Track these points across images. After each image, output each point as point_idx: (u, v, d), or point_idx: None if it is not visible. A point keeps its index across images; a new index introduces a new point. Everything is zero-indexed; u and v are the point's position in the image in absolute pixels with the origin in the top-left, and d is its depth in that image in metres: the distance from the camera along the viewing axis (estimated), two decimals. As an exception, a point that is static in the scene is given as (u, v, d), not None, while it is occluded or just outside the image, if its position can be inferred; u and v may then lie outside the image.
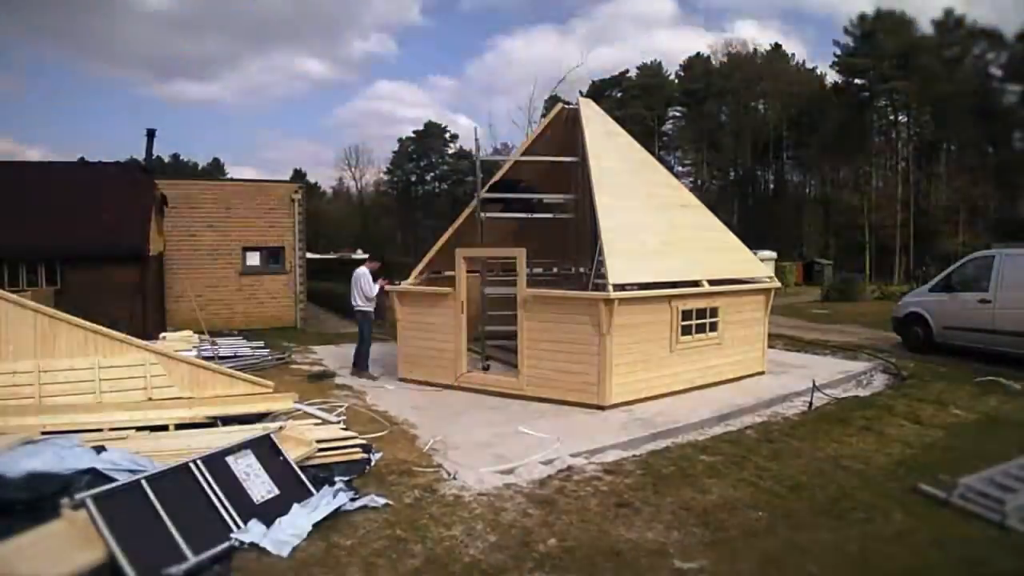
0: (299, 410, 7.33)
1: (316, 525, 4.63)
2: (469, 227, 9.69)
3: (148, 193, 13.87)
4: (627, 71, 63.66)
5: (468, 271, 9.04)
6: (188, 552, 3.99)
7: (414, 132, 72.53)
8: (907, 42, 47.51)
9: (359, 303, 10.25)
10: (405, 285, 9.96)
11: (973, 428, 7.59)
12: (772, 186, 60.51)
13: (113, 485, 4.32)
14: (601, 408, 7.90)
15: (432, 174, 72.85)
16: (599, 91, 56.68)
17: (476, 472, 5.82)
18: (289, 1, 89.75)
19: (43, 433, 5.72)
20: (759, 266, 10.86)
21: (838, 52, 53.16)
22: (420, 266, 10.25)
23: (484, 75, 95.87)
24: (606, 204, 8.80)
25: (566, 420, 7.57)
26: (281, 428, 5.98)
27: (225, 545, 4.21)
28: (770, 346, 11.04)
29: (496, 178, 10.11)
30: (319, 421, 6.99)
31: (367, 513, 4.91)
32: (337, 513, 4.85)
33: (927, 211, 47.12)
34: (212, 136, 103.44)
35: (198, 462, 4.71)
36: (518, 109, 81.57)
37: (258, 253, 18.00)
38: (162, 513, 4.16)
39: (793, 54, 59.86)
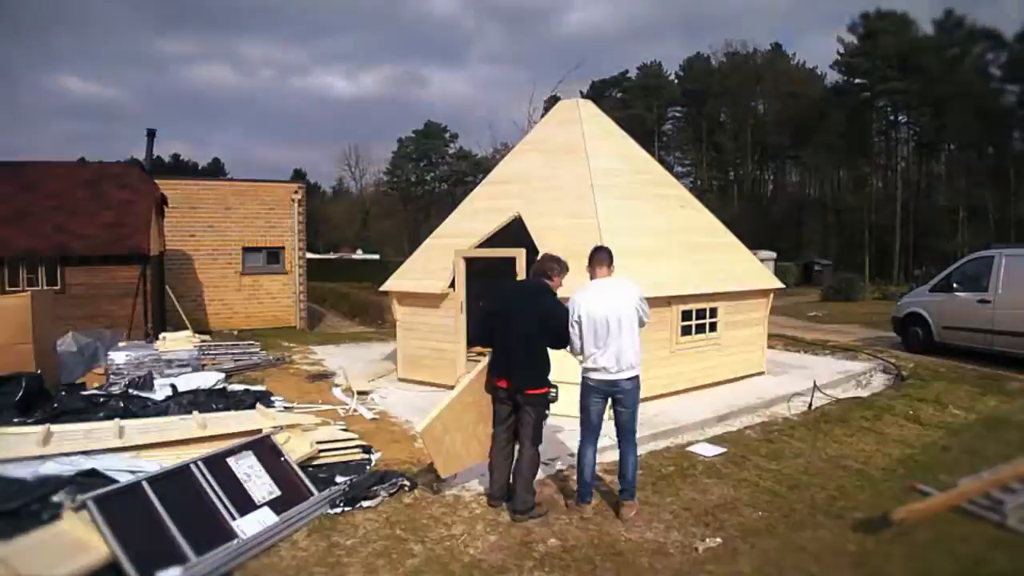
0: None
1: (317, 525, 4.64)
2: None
3: (148, 193, 13.87)
4: (627, 71, 63.75)
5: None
6: (189, 552, 4.00)
7: (413, 132, 72.53)
8: (908, 42, 47.51)
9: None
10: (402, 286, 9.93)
11: (973, 428, 7.60)
12: (772, 186, 60.54)
13: (114, 486, 4.33)
14: (601, 408, 7.89)
15: (432, 174, 72.84)
16: (599, 91, 56.72)
17: (476, 472, 5.81)
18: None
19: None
20: (759, 266, 10.87)
21: (839, 52, 53.21)
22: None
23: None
24: (606, 204, 8.82)
25: (566, 420, 7.56)
26: (281, 429, 5.98)
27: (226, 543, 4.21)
28: (770, 346, 11.05)
29: (494, 173, 10.09)
30: (320, 421, 6.98)
31: (367, 513, 4.92)
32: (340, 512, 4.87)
33: (927, 211, 47.12)
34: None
35: (199, 463, 4.72)
36: (518, 109, 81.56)
37: (258, 253, 18.01)
38: (163, 514, 4.16)
39: (793, 53, 59.99)
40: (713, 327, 9.29)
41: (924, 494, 5.28)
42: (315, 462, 5.65)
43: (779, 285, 10.72)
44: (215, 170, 70.21)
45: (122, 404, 7.55)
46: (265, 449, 5.24)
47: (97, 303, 11.33)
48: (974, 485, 5.21)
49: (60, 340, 9.53)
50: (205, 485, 4.57)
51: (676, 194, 10.80)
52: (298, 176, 57.17)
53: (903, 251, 44.75)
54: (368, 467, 5.82)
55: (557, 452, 6.37)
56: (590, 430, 5.03)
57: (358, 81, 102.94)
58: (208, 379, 8.85)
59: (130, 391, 8.19)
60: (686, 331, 8.88)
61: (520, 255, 8.49)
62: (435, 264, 9.46)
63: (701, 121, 58.94)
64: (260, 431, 5.71)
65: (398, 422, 7.55)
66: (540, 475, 5.77)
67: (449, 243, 9.39)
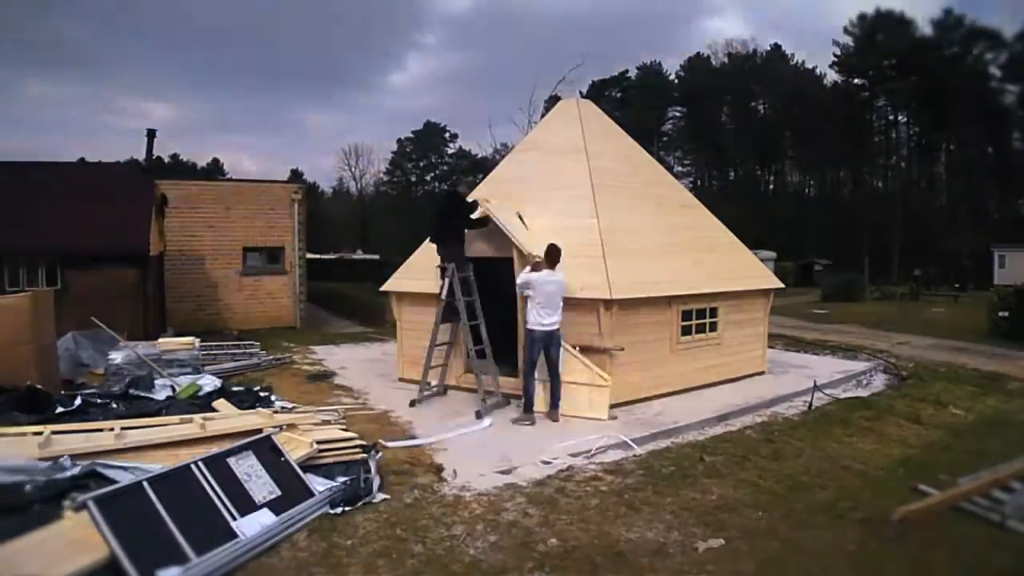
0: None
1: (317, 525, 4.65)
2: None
3: (148, 193, 13.85)
4: (627, 71, 63.75)
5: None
6: (190, 552, 4.00)
7: (413, 132, 72.58)
8: (907, 42, 47.54)
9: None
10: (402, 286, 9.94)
11: (973, 428, 7.61)
12: (772, 186, 60.55)
13: (115, 487, 4.33)
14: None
15: (432, 174, 72.86)
16: (599, 91, 56.68)
17: (476, 472, 5.83)
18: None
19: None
20: (759, 266, 10.87)
21: (837, 52, 53.25)
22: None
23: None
24: (606, 204, 8.82)
25: (566, 420, 7.57)
26: (282, 429, 5.98)
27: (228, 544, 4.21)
28: (770, 346, 11.05)
29: (494, 173, 10.09)
30: (319, 422, 6.98)
31: (367, 513, 4.92)
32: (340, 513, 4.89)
33: (927, 211, 47.14)
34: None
35: (199, 463, 4.71)
36: (518, 109, 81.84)
37: (258, 253, 17.99)
38: (164, 514, 4.16)
39: (792, 54, 59.97)
40: (713, 327, 9.30)
41: (924, 494, 5.28)
42: (315, 462, 5.65)
43: (779, 285, 10.73)
44: (215, 170, 70.18)
45: (122, 404, 7.55)
46: (265, 449, 5.24)
47: (97, 303, 11.28)
48: (974, 485, 5.21)
49: (60, 340, 9.50)
50: (205, 485, 4.57)
51: (676, 194, 10.81)
52: (297, 176, 57.23)
53: (902, 251, 44.74)
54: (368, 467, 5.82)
55: (556, 453, 6.37)
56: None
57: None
58: (206, 385, 8.76)
59: (130, 391, 8.18)
60: (686, 331, 8.89)
61: (519, 253, 8.43)
62: (435, 264, 9.44)
63: (701, 121, 58.90)
64: (260, 431, 5.71)
65: (398, 422, 7.55)
66: (540, 474, 5.81)
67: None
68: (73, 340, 10.03)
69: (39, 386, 7.58)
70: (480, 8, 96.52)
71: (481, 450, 6.49)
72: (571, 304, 8.12)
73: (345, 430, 6.64)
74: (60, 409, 7.16)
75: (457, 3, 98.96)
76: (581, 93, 12.12)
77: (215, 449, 5.21)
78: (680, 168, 60.51)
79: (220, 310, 17.24)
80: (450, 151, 72.61)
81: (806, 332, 15.97)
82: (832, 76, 55.03)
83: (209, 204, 17.38)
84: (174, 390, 8.43)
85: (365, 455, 6.02)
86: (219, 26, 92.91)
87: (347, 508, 4.97)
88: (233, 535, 4.31)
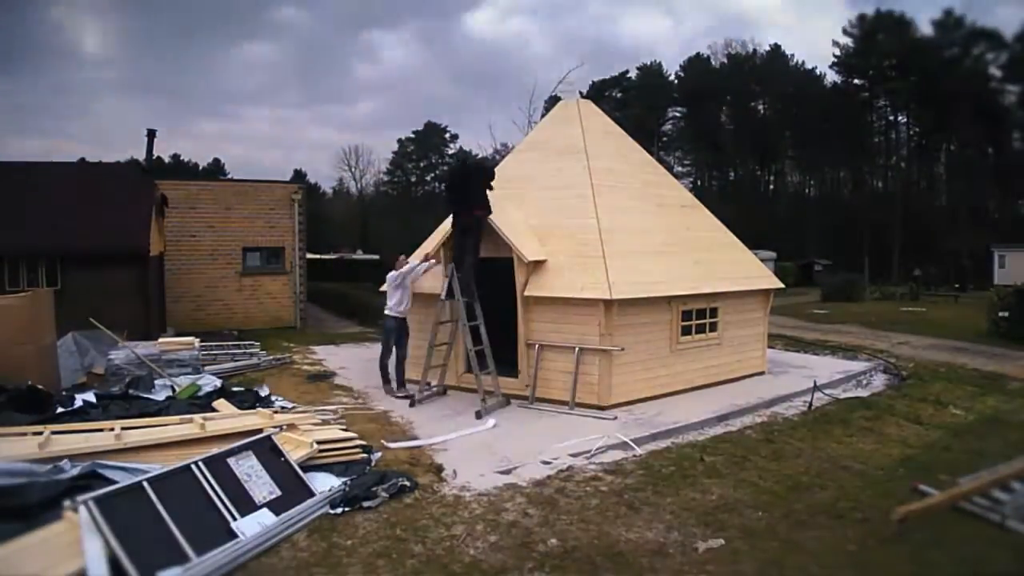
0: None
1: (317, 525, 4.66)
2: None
3: (148, 193, 13.84)
4: (627, 71, 63.70)
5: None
6: (190, 552, 4.00)
7: (413, 132, 72.59)
8: (906, 43, 47.53)
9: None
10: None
11: (973, 428, 7.60)
12: (772, 186, 60.51)
13: (115, 487, 4.32)
14: (601, 408, 7.91)
15: (432, 174, 72.82)
16: (599, 91, 56.62)
17: (476, 472, 5.82)
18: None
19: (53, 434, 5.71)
20: (759, 266, 10.87)
21: (835, 54, 53.26)
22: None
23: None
24: (606, 204, 8.82)
25: (566, 420, 7.58)
26: (282, 429, 5.98)
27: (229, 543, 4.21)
28: (770, 346, 11.05)
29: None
30: (319, 421, 6.98)
31: (367, 513, 4.92)
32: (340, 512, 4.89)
33: (927, 211, 47.11)
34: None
35: (199, 463, 4.72)
36: (518, 110, 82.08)
37: (258, 253, 17.98)
38: (164, 514, 4.16)
39: (792, 54, 59.92)
40: (713, 327, 9.30)
41: (924, 494, 5.28)
42: (315, 462, 5.65)
43: (779, 285, 10.73)
44: (215, 170, 70.12)
45: (122, 405, 7.54)
46: (265, 449, 5.24)
47: (97, 303, 11.28)
48: (974, 485, 5.21)
49: (60, 340, 9.50)
50: (205, 485, 4.57)
51: (676, 194, 10.81)
52: (298, 177, 57.12)
53: (902, 251, 44.69)
54: (368, 467, 5.82)
55: (556, 453, 6.37)
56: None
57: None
58: (206, 385, 8.76)
59: (130, 392, 8.19)
60: (686, 331, 8.89)
61: (521, 254, 8.44)
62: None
63: (701, 121, 58.83)
64: (260, 431, 5.70)
65: (398, 422, 7.55)
66: (540, 475, 5.82)
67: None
68: (73, 340, 10.02)
69: (39, 386, 7.58)
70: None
71: (481, 450, 6.49)
72: (571, 304, 8.15)
73: (345, 430, 6.65)
74: (60, 409, 7.17)
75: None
76: (581, 93, 12.10)
77: (215, 449, 5.21)
78: (680, 168, 60.41)
79: (220, 310, 17.23)
80: (450, 151, 72.56)
81: (806, 332, 15.97)
82: (832, 76, 55.10)
83: (209, 204, 17.36)
84: (174, 390, 8.43)
85: (365, 455, 6.03)
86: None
87: (347, 508, 4.96)
88: (233, 535, 4.31)
